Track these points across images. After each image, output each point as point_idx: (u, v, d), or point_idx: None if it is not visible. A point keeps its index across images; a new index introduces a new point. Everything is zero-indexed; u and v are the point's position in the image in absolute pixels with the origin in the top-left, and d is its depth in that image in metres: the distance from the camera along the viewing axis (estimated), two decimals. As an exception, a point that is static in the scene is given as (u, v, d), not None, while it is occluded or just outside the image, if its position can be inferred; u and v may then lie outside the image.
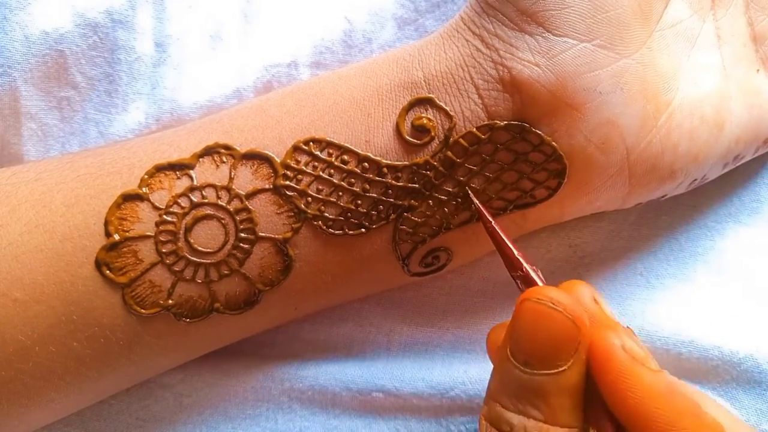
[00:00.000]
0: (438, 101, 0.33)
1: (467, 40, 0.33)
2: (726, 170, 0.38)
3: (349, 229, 0.34)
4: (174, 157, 0.34)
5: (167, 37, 0.40)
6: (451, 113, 0.33)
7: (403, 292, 0.41)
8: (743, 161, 0.38)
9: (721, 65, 0.36)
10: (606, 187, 0.34)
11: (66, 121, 0.40)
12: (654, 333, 0.39)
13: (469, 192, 0.34)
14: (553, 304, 0.28)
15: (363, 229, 0.34)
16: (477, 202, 0.33)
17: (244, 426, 0.40)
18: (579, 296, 0.31)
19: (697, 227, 0.41)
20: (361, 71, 0.35)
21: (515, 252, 0.32)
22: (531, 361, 0.29)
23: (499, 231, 0.32)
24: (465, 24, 0.34)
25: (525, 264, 0.31)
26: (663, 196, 0.37)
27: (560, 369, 0.28)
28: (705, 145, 0.35)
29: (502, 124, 0.33)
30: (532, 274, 0.31)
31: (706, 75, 0.36)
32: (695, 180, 0.37)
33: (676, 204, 0.41)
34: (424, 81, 0.33)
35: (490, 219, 0.33)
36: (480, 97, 0.33)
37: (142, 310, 0.34)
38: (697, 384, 0.39)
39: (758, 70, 0.37)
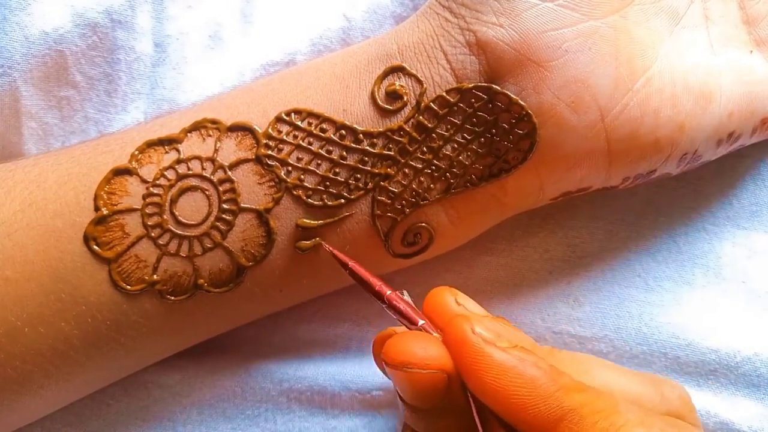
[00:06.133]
0: (409, 68, 0.35)
1: (437, 14, 0.35)
2: (722, 151, 0.38)
3: (329, 200, 0.34)
4: (164, 133, 0.35)
5: (166, 37, 0.42)
6: (422, 79, 0.34)
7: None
8: (741, 143, 0.38)
9: (708, 43, 0.37)
10: (583, 153, 0.35)
11: (66, 121, 0.42)
12: (651, 336, 0.40)
13: (324, 244, 0.35)
14: (410, 367, 0.30)
15: (342, 200, 0.35)
16: (330, 248, 0.35)
17: (244, 426, 0.40)
18: (443, 303, 0.33)
19: (695, 230, 0.41)
20: (343, 51, 0.37)
21: (377, 285, 0.33)
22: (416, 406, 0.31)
23: (359, 268, 0.34)
24: (437, 0, 0.35)
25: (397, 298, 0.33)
26: (652, 172, 0.37)
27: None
28: (690, 115, 0.35)
29: (469, 85, 0.34)
30: (400, 305, 0.33)
31: (691, 50, 0.36)
32: (686, 155, 0.36)
33: (674, 206, 0.41)
34: (398, 52, 0.35)
35: (347, 260, 0.34)
36: (448, 62, 0.34)
37: (128, 287, 0.34)
38: (696, 388, 0.39)
39: (752, 52, 0.37)
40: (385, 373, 0.35)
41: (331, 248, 0.35)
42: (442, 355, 0.30)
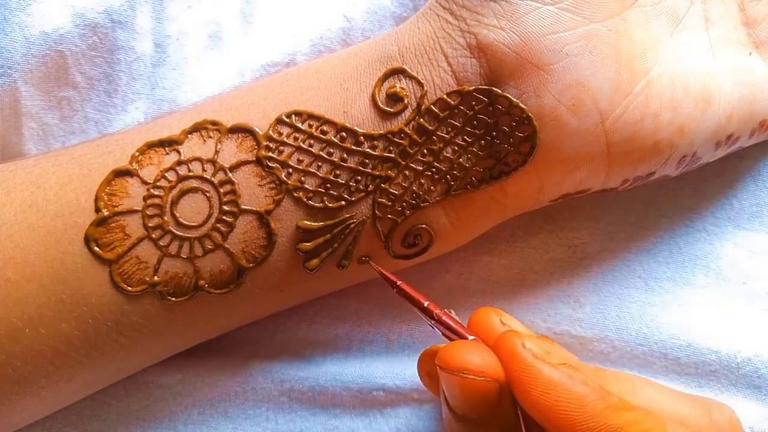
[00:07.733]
0: (410, 71, 0.35)
1: (438, 15, 0.35)
2: (720, 153, 0.38)
3: (329, 202, 0.34)
4: (165, 134, 0.35)
5: (166, 38, 0.42)
6: (422, 81, 0.34)
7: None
8: (739, 145, 0.38)
9: (708, 45, 0.37)
10: (583, 156, 0.35)
11: (66, 121, 0.42)
12: (651, 336, 0.39)
13: (372, 264, 0.36)
14: (466, 372, 0.30)
15: (343, 202, 0.35)
16: (378, 267, 0.36)
17: (245, 426, 0.40)
18: (489, 322, 0.33)
19: (696, 231, 0.41)
20: (344, 52, 0.37)
21: (425, 303, 0.34)
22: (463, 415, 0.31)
23: (407, 287, 0.35)
24: (437, 2, 0.35)
25: (442, 315, 0.34)
26: (651, 174, 0.37)
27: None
28: (690, 117, 0.35)
29: (470, 88, 0.34)
30: (449, 321, 0.33)
31: (691, 53, 0.36)
32: (685, 157, 0.36)
33: (675, 206, 0.41)
34: (399, 54, 0.35)
35: (396, 279, 0.35)
36: (449, 64, 0.34)
37: (129, 288, 0.34)
38: (697, 389, 0.39)
39: (751, 53, 0.37)
40: (426, 385, 0.35)
41: (379, 268, 0.35)
42: (497, 365, 0.30)
